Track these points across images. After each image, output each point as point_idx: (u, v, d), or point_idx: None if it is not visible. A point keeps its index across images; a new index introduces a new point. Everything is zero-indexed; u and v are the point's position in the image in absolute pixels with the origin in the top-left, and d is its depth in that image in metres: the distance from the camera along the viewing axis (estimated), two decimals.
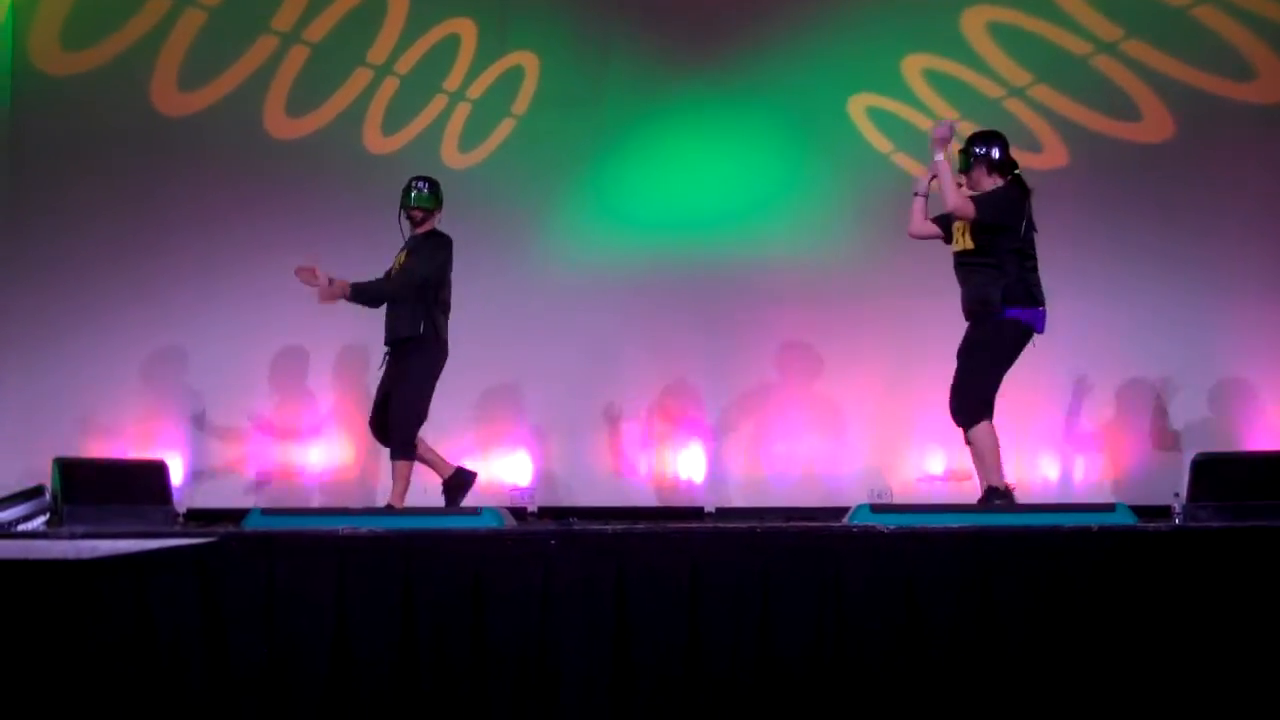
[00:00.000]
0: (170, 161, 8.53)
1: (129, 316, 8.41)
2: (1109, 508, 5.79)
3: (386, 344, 6.83)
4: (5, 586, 4.90)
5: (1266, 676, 4.63)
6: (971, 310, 6.17)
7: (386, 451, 6.84)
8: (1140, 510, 5.83)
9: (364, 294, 6.83)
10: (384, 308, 6.85)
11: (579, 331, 8.38)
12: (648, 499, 8.33)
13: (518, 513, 7.11)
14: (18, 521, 5.85)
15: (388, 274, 6.90)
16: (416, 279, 6.73)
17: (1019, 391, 8.07)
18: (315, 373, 8.49)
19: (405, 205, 6.92)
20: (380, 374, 6.86)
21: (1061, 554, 4.86)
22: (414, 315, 6.74)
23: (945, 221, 6.28)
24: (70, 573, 4.92)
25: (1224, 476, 6.26)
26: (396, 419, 6.74)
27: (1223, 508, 5.89)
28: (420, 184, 6.95)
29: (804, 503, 8.01)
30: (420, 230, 6.91)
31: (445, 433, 8.28)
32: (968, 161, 6.24)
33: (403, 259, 6.88)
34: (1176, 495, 6.41)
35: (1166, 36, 8.27)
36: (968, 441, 6.16)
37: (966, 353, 6.20)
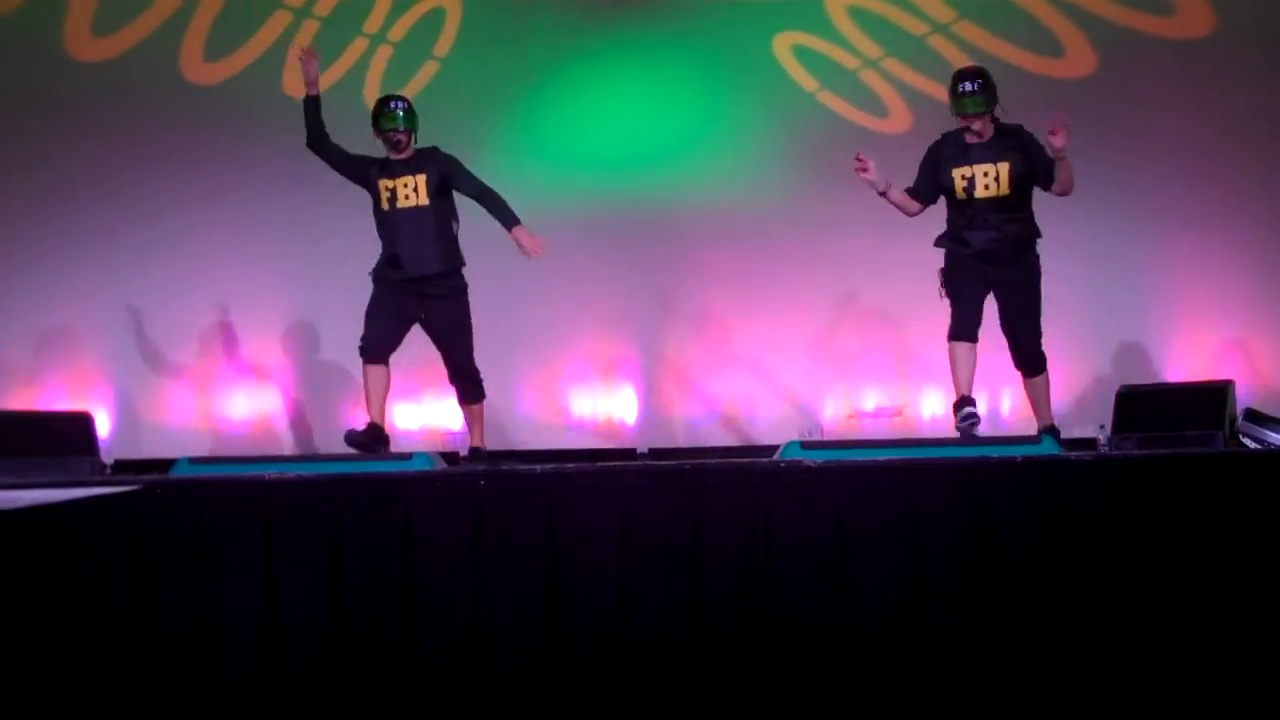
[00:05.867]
0: (87, 110, 8.38)
1: (56, 268, 8.28)
2: (1034, 439, 5.85)
3: (423, 276, 6.58)
4: None
5: (1189, 600, 4.71)
6: (1010, 253, 6.24)
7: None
8: (1068, 443, 5.90)
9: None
10: (410, 237, 6.57)
11: (507, 274, 8.30)
12: (581, 442, 8.32)
13: (449, 457, 7.09)
14: None
15: (384, 207, 6.59)
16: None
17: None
18: (244, 321, 8.40)
19: (392, 127, 6.62)
20: (379, 295, 6.61)
21: (987, 484, 4.91)
22: (456, 242, 6.66)
23: (931, 187, 6.31)
24: None
25: (1147, 408, 6.36)
26: (468, 362, 6.68)
27: (1145, 438, 5.99)
28: (397, 104, 6.67)
29: (736, 442, 8.05)
30: (406, 154, 6.63)
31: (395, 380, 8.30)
32: (994, 99, 6.25)
33: (421, 180, 6.57)
34: (1102, 427, 6.50)
35: None
36: (1032, 383, 6.40)
37: (1030, 298, 6.31)
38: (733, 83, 8.47)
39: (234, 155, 8.20)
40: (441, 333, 6.71)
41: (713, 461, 5.59)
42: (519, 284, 8.28)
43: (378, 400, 6.65)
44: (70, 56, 8.44)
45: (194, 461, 6.14)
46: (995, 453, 5.33)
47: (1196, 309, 8.03)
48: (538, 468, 5.18)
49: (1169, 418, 6.13)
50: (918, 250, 7.68)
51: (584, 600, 4.92)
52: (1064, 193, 6.26)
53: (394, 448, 7.87)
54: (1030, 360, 6.42)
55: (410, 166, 6.62)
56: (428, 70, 8.53)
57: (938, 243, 6.42)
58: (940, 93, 7.72)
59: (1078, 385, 8.14)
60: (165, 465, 6.22)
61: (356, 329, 6.76)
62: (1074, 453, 5.39)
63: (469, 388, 6.80)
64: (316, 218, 8.12)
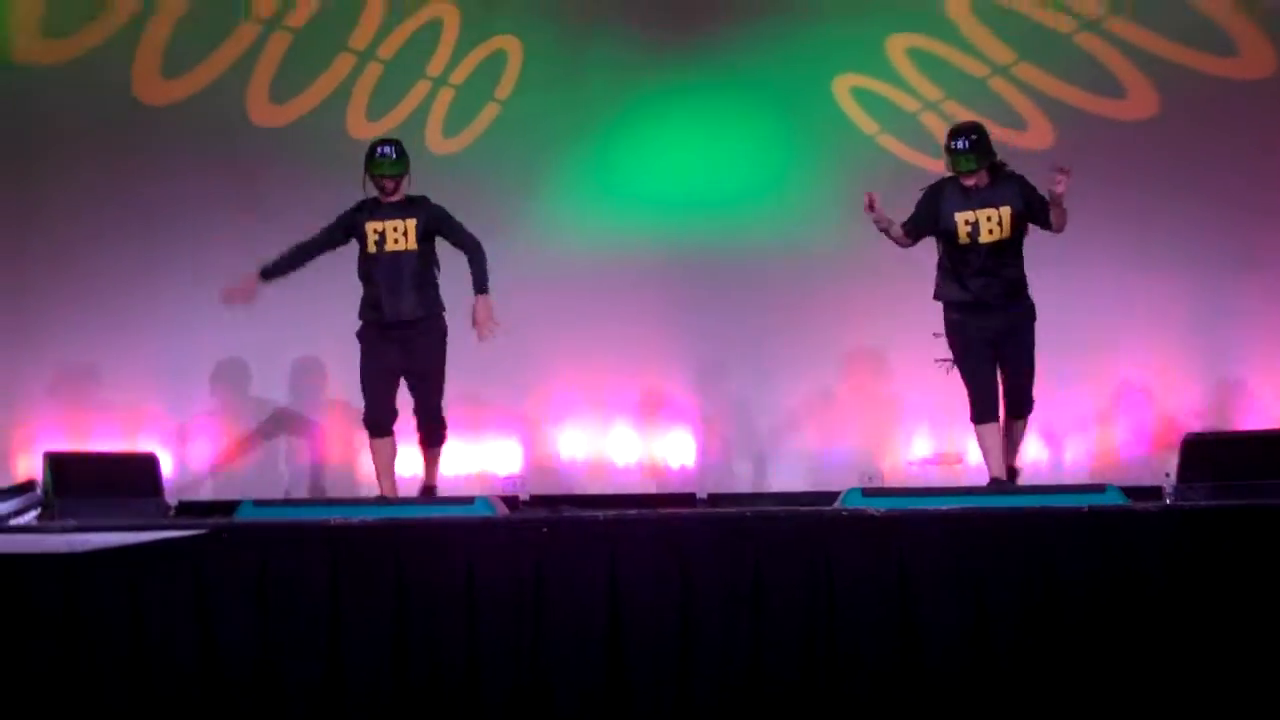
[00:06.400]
0: (153, 151, 8.46)
1: (117, 309, 8.36)
2: (1099, 489, 5.81)
3: (403, 321, 6.55)
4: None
5: (1257, 657, 4.66)
6: (1009, 297, 6.25)
7: (362, 440, 6.75)
8: (1130, 491, 5.85)
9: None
10: (389, 283, 6.53)
11: (566, 317, 8.36)
12: (639, 486, 8.31)
13: (510, 501, 7.11)
14: (10, 516, 5.85)
15: (371, 250, 6.56)
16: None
17: None
18: (303, 364, 8.46)
19: (381, 172, 6.58)
20: (367, 356, 6.60)
21: (1053, 535, 4.89)
22: (437, 287, 6.65)
23: (925, 228, 6.31)
24: (63, 566, 4.92)
25: (1213, 456, 6.29)
26: (437, 404, 6.63)
27: (1213, 487, 5.92)
28: (389, 149, 6.64)
29: (794, 488, 8.01)
30: (398, 196, 6.60)
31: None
32: (988, 154, 6.26)
33: (411, 225, 6.54)
34: (1167, 476, 6.44)
35: (1150, 13, 8.26)
36: (1014, 425, 6.34)
37: (1027, 339, 6.31)
38: (792, 125, 8.47)
39: (299, 196, 8.26)
40: (416, 372, 6.63)
41: (776, 509, 5.59)
42: (575, 326, 8.33)
43: (389, 473, 6.65)
44: (139, 99, 8.54)
45: (257, 504, 6.19)
46: (1059, 502, 5.30)
47: (1264, 352, 7.96)
48: (600, 514, 5.20)
49: (1239, 467, 6.06)
50: None
51: (646, 646, 4.94)
52: (1058, 231, 6.26)
53: (451, 492, 7.93)
54: (1022, 403, 6.34)
55: (400, 211, 6.61)
56: (489, 112, 8.58)
57: (938, 296, 6.40)
58: (1002, 134, 7.74)
59: (1140, 432, 8.08)
60: (227, 507, 6.27)
61: None
62: (1140, 503, 5.35)
63: (434, 430, 6.70)
64: None
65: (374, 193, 6.65)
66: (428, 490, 6.76)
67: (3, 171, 8.46)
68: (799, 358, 8.30)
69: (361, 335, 6.67)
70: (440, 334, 6.67)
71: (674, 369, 8.38)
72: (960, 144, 6.25)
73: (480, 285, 6.61)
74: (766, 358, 8.32)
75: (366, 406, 6.62)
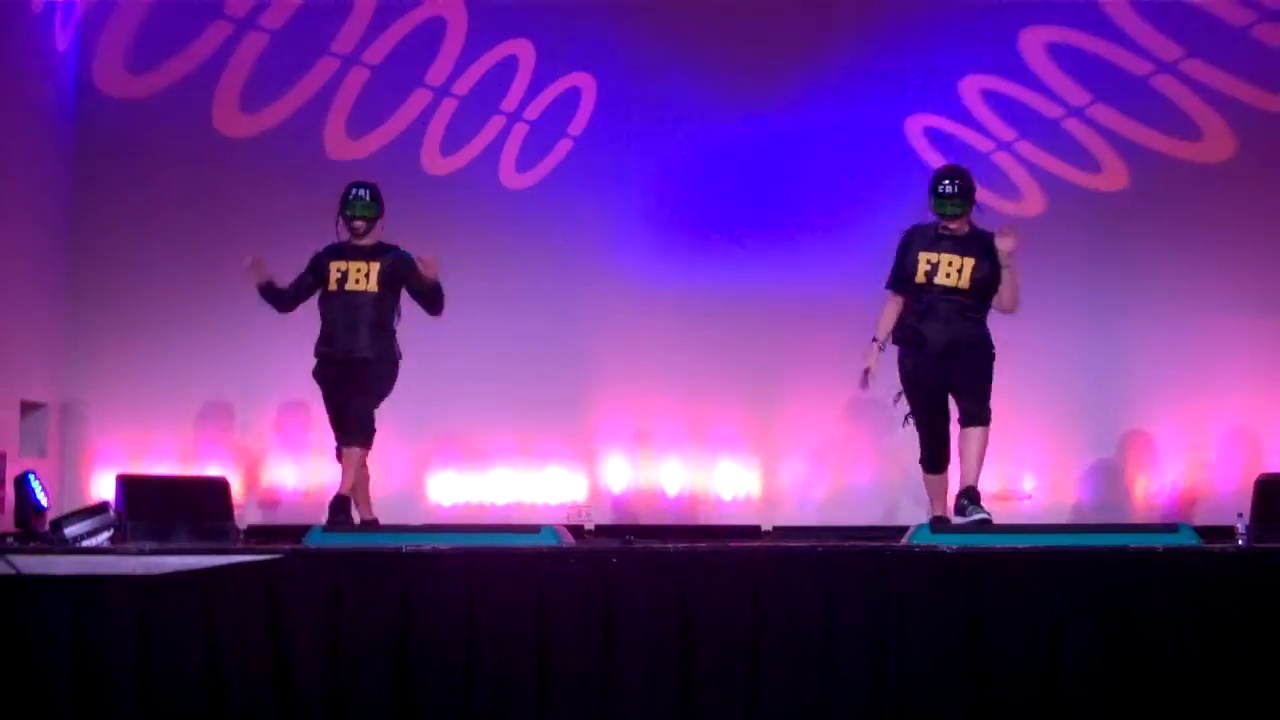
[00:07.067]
0: (233, 183, 8.59)
1: (191, 336, 8.48)
2: (1172, 528, 5.76)
3: (354, 359, 6.57)
4: (74, 601, 4.96)
5: None
6: (962, 350, 6.18)
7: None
8: (1201, 531, 5.79)
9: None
10: (344, 319, 6.58)
11: (634, 350, 8.41)
12: (702, 517, 8.33)
13: (575, 530, 7.13)
14: (84, 537, 5.92)
15: (332, 287, 6.62)
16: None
17: (1078, 414, 8.12)
18: None
19: (351, 215, 6.66)
20: (325, 395, 6.67)
21: (1127, 575, 4.85)
22: (394, 335, 6.68)
23: (904, 274, 6.30)
24: (139, 589, 4.98)
25: None
26: (366, 413, 6.56)
27: None
28: (362, 191, 6.70)
29: (856, 521, 7.98)
30: (368, 240, 6.67)
31: (501, 451, 8.38)
32: (972, 200, 6.26)
33: (374, 269, 6.59)
34: (1239, 516, 6.38)
35: (1226, 55, 8.23)
36: (970, 430, 6.21)
37: (974, 367, 6.20)
38: (862, 163, 8.48)
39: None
40: (355, 388, 6.59)
41: (847, 544, 5.57)
42: (640, 357, 8.36)
43: (362, 493, 6.70)
44: (219, 131, 8.68)
45: (327, 530, 6.24)
46: (1132, 541, 5.25)
47: None
48: (671, 546, 5.20)
49: None
50: (1048, 327, 7.69)
51: (714, 679, 4.93)
52: (1007, 308, 6.22)
53: (520, 519, 7.98)
54: (974, 413, 6.20)
55: (365, 254, 6.66)
56: (562, 148, 8.66)
57: (896, 340, 6.37)
58: (1075, 175, 7.72)
59: (1211, 473, 8.00)
60: (295, 532, 6.32)
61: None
62: (1216, 545, 5.29)
63: (353, 428, 6.56)
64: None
65: (345, 236, 6.70)
66: (337, 502, 6.55)
67: (87, 196, 8.60)
68: (862, 392, 8.29)
69: (316, 374, 6.71)
70: (391, 372, 6.66)
71: (737, 402, 8.39)
72: (948, 187, 6.24)
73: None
74: (830, 392, 8.30)
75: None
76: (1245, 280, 8.05)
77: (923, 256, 6.24)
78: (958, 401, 6.28)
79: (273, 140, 8.68)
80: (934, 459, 6.35)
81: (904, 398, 6.36)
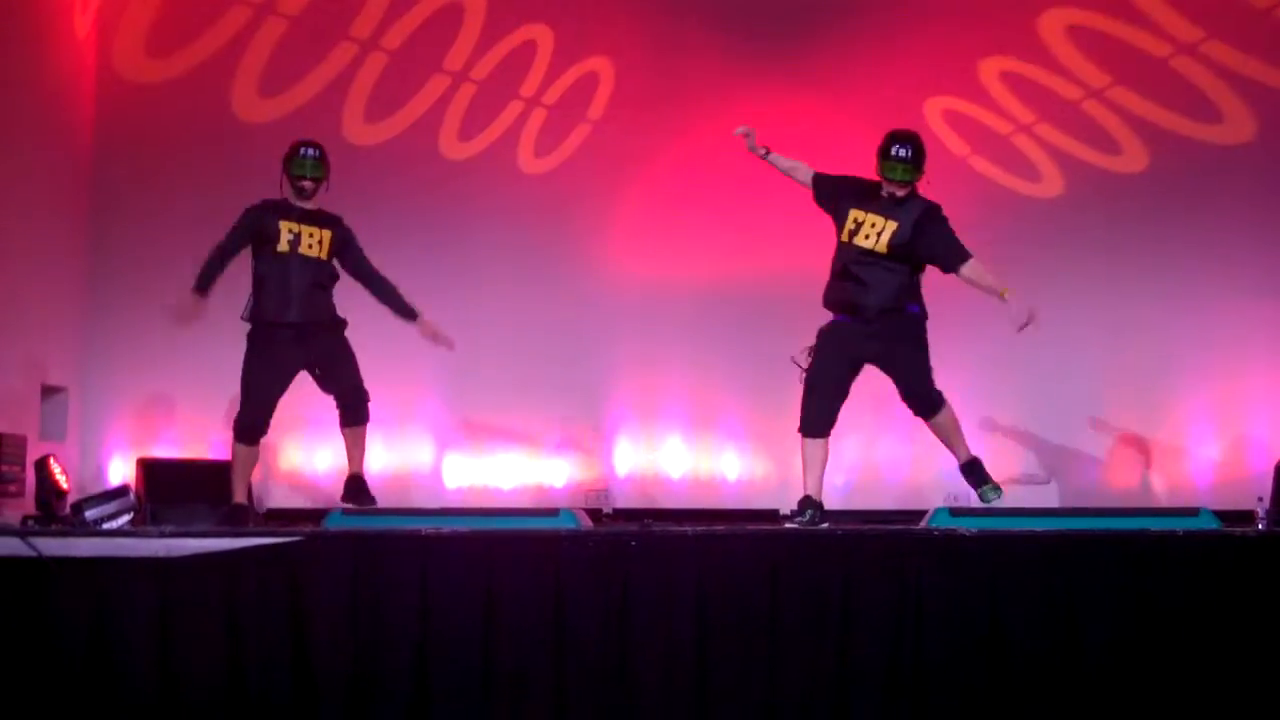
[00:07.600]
0: (252, 168, 8.58)
1: (210, 320, 8.48)
2: (1192, 512, 5.73)
3: (311, 322, 6.39)
4: (95, 583, 4.98)
5: None
6: (879, 315, 6.01)
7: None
8: (1221, 515, 5.78)
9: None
10: (305, 283, 6.38)
11: (650, 334, 8.42)
12: (718, 501, 8.34)
13: (593, 514, 7.14)
14: (105, 519, 5.94)
15: (283, 248, 6.38)
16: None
17: (1096, 397, 8.10)
18: (384, 370, 8.54)
19: (300, 174, 6.41)
20: (260, 357, 6.38)
21: (1147, 559, 4.84)
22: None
23: (824, 195, 6.19)
24: (159, 571, 5.00)
25: None
26: (359, 380, 6.47)
27: None
28: (310, 150, 6.45)
29: (875, 505, 7.98)
30: (310, 204, 6.46)
31: (521, 434, 8.40)
32: (920, 170, 6.05)
33: (326, 237, 6.42)
34: (1260, 500, 6.36)
35: (1247, 37, 8.19)
36: (935, 426, 6.06)
37: (909, 347, 6.05)
38: None
39: (388, 214, 8.35)
40: (331, 362, 6.46)
41: (865, 527, 5.57)
42: (664, 345, 8.36)
43: (246, 479, 6.49)
44: (238, 116, 8.69)
45: (347, 513, 6.25)
46: (1152, 525, 5.24)
47: None
48: (689, 530, 5.20)
49: None
50: (1067, 310, 7.66)
51: (732, 662, 4.93)
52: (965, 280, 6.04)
53: (538, 503, 7.99)
54: (922, 400, 6.05)
55: (315, 220, 6.47)
56: (580, 132, 8.66)
57: (827, 304, 6.20)
58: (1095, 158, 7.69)
59: (1231, 456, 7.98)
60: (314, 515, 6.34)
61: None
62: (1236, 528, 5.28)
63: (358, 405, 6.49)
64: (459, 284, 8.20)
65: (288, 193, 6.48)
66: (354, 480, 6.51)
67: (106, 181, 8.62)
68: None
69: (254, 337, 6.44)
70: (341, 332, 6.52)
71: (752, 384, 8.37)
72: (900, 152, 5.99)
73: (410, 311, 6.56)
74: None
75: (246, 409, 6.41)
76: (1265, 263, 8.02)
77: (852, 213, 6.04)
78: (901, 394, 6.09)
79: (291, 125, 8.65)
80: (812, 420, 5.97)
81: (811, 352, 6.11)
